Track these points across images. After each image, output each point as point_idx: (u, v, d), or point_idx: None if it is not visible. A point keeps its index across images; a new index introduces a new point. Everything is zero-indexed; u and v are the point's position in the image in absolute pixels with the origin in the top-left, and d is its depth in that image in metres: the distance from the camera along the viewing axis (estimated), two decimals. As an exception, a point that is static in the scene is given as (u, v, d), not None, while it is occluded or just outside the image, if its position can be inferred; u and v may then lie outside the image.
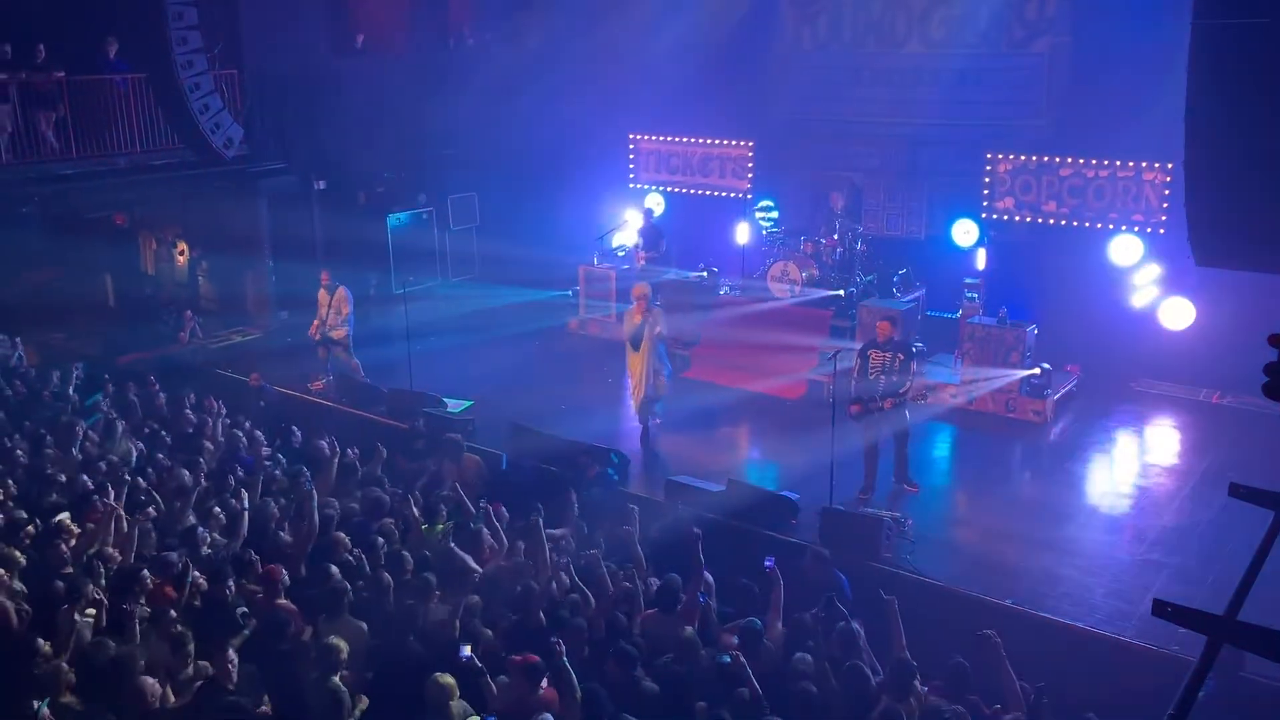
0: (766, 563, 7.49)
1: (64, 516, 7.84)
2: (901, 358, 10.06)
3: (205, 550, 7.64)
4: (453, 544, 7.64)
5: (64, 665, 5.96)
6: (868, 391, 10.04)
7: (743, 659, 6.22)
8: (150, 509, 8.29)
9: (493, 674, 6.15)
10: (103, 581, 6.95)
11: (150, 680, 5.80)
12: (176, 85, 13.77)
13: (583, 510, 9.00)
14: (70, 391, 11.39)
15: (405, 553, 7.65)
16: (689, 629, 6.67)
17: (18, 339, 13.21)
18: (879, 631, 6.95)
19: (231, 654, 6.04)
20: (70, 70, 14.25)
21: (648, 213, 16.69)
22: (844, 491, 9.88)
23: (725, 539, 8.71)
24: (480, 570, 7.49)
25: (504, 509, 8.64)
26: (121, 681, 5.75)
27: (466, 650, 6.24)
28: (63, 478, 8.84)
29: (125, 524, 7.73)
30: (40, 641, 6.17)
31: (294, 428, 10.69)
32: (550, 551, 7.73)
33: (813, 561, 8.17)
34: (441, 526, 8.26)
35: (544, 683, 6.00)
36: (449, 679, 5.87)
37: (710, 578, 7.60)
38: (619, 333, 15.61)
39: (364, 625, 6.70)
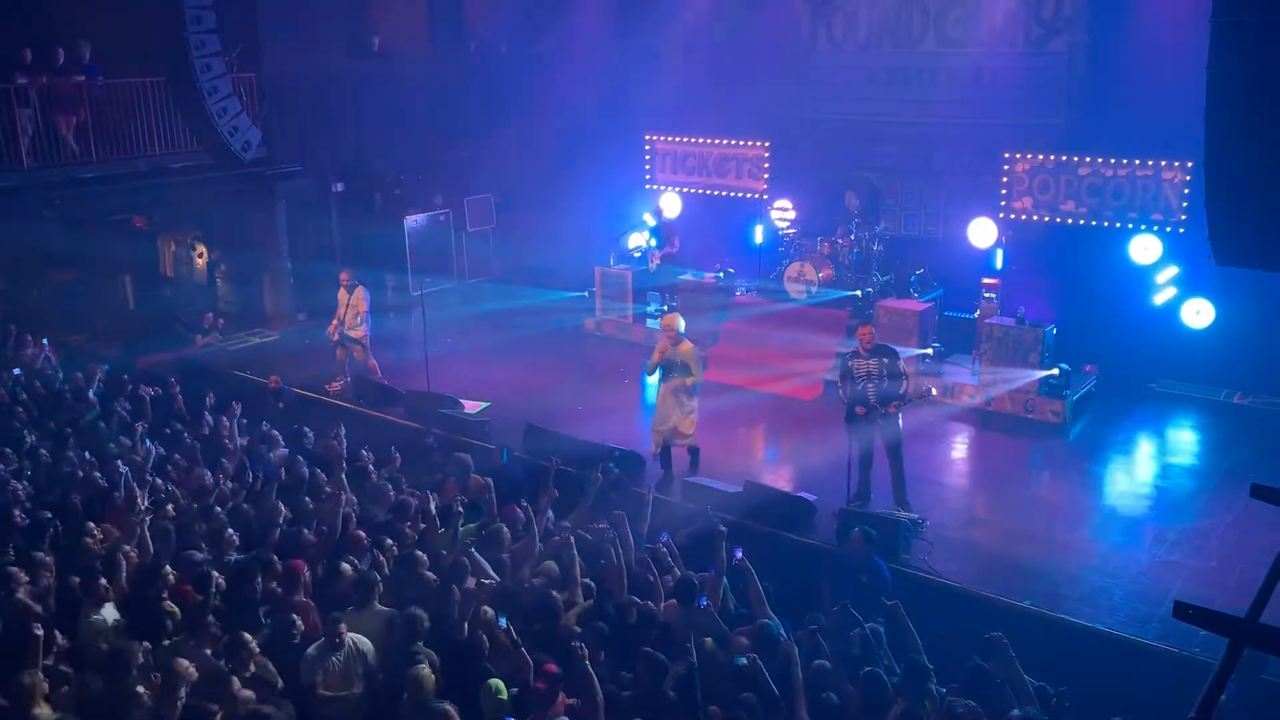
0: (735, 554, 7.48)
1: (88, 524, 7.88)
2: (887, 361, 9.76)
3: (231, 552, 7.68)
4: (473, 549, 7.61)
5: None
6: (861, 399, 9.71)
7: (759, 661, 6.20)
8: (169, 507, 8.36)
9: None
10: (123, 582, 7.01)
11: (184, 661, 5.88)
12: (195, 88, 13.87)
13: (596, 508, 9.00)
14: (91, 394, 11.47)
15: (419, 553, 7.65)
16: (709, 640, 6.60)
17: (45, 340, 13.33)
18: (892, 634, 6.93)
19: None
20: (90, 74, 14.37)
21: (657, 212, 16.72)
22: (861, 492, 9.86)
23: (742, 540, 8.68)
24: (497, 580, 7.47)
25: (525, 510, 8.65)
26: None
27: (504, 620, 6.35)
28: (82, 475, 8.91)
29: (145, 524, 7.77)
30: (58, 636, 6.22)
31: (306, 429, 10.72)
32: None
33: (853, 541, 8.16)
34: (456, 528, 8.26)
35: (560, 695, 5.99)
36: (427, 671, 5.92)
37: (725, 580, 7.60)
38: (636, 334, 15.77)
39: (392, 611, 6.77)
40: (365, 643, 6.44)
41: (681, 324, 10.74)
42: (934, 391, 10.23)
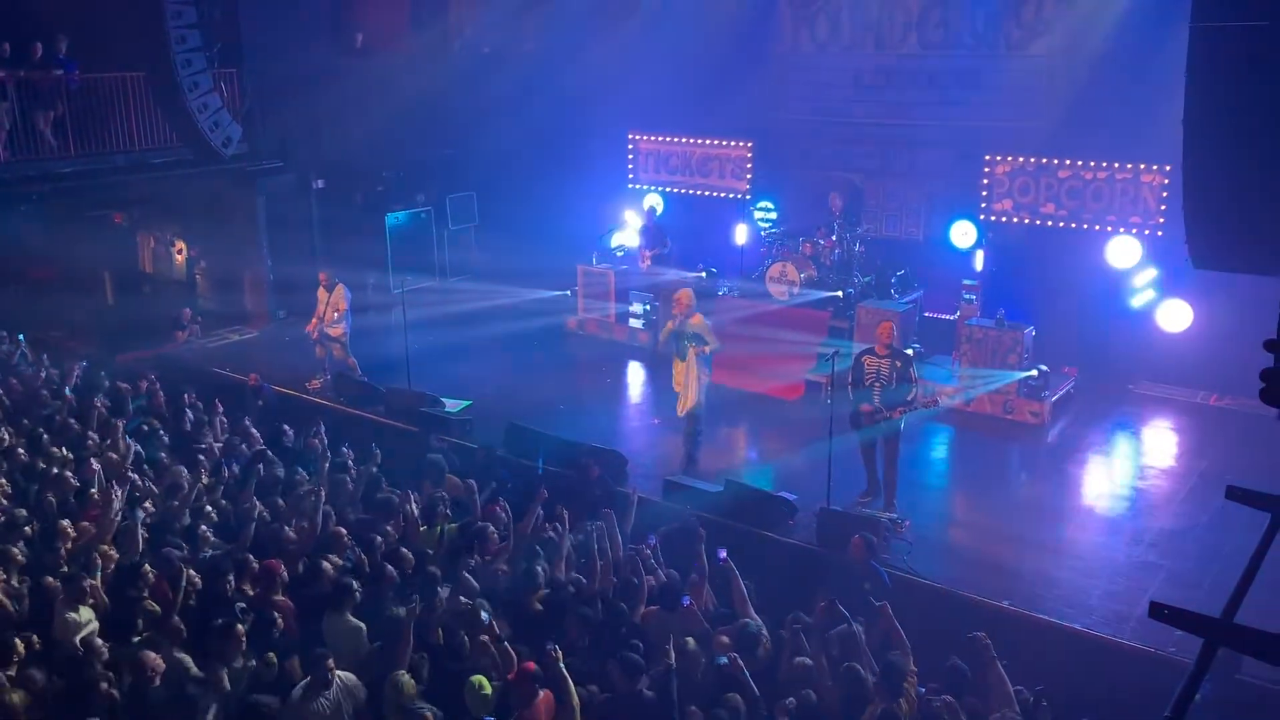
0: (720, 554, 7.47)
1: (64, 522, 7.80)
2: (899, 364, 9.59)
3: (207, 549, 7.64)
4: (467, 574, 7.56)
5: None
6: (867, 400, 9.59)
7: (740, 661, 6.21)
8: (148, 502, 8.30)
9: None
10: (99, 579, 6.96)
11: (152, 655, 5.87)
12: (175, 83, 13.75)
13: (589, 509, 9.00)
14: (68, 391, 11.36)
15: (404, 550, 7.63)
16: (691, 640, 6.61)
17: (20, 336, 13.21)
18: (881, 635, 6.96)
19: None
20: (66, 69, 14.23)
21: (649, 212, 16.70)
22: (841, 492, 9.82)
23: (723, 539, 8.70)
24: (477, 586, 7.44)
25: (506, 510, 8.64)
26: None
27: (485, 614, 6.36)
28: (57, 473, 8.82)
29: (122, 522, 7.72)
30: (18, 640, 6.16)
31: (286, 427, 10.66)
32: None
33: (854, 548, 8.18)
34: (441, 528, 8.26)
35: (540, 692, 5.96)
36: (406, 678, 5.89)
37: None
38: (618, 333, 15.75)
39: (362, 625, 6.70)
40: (354, 681, 6.11)
41: (694, 299, 10.93)
42: (939, 402, 10.19)
